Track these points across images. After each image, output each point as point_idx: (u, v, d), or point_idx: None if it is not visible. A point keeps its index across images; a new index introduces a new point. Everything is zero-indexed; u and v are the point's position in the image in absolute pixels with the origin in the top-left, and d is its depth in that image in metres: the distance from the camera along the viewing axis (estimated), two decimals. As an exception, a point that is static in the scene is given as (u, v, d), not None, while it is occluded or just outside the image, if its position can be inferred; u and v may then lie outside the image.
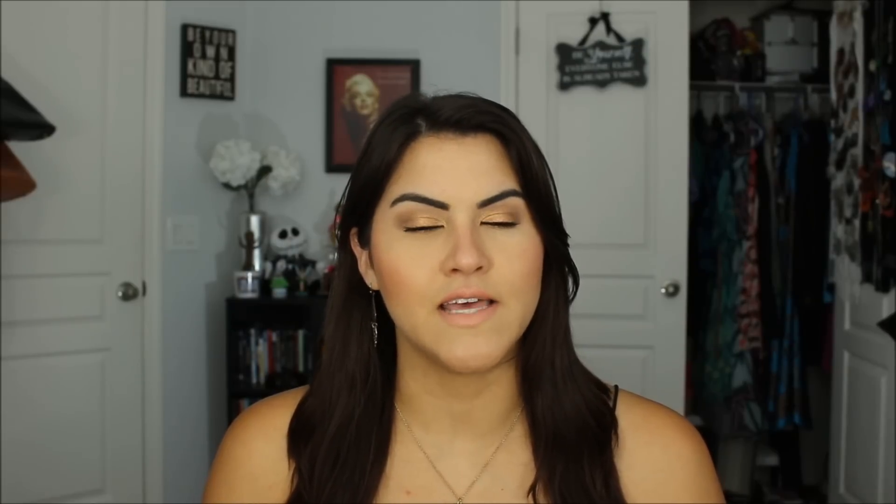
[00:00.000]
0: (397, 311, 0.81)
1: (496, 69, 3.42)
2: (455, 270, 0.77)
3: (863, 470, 3.05)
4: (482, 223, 0.80)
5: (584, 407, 0.85)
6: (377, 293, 0.85)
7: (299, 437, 0.87)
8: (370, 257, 0.84)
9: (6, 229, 2.83)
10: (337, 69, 3.50)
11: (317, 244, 3.52)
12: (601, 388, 0.89)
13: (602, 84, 3.39)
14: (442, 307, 0.78)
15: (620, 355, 3.24)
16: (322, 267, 3.43)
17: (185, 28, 3.28)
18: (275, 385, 3.28)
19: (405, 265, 0.79)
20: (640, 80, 3.36)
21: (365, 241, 0.85)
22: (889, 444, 2.83)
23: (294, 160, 3.38)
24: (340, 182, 3.68)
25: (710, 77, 3.86)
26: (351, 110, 3.51)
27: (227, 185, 3.32)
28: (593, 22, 3.39)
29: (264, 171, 3.33)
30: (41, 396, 2.98)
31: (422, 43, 3.49)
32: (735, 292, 3.68)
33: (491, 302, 0.78)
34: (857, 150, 3.06)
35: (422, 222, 0.79)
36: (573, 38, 3.40)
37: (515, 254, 0.79)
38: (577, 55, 3.39)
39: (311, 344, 3.37)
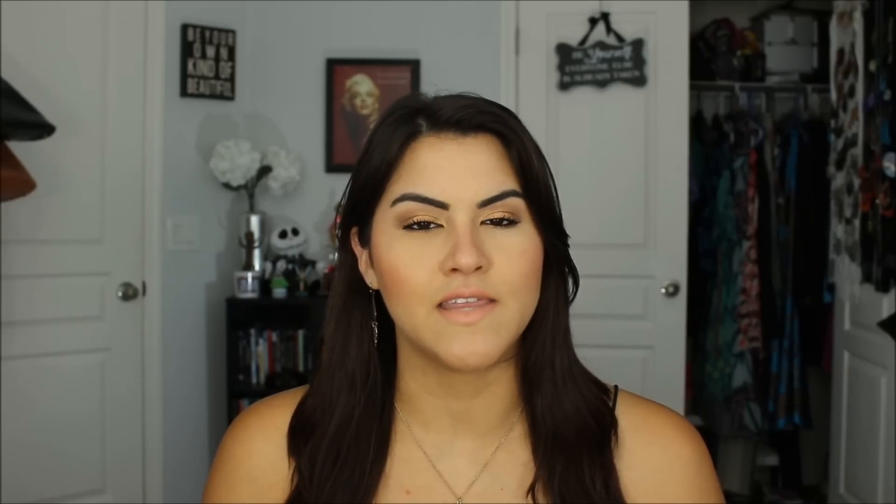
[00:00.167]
0: (397, 310, 0.81)
1: (496, 69, 3.42)
2: (455, 270, 0.77)
3: (863, 470, 3.05)
4: (482, 223, 0.80)
5: (583, 407, 0.85)
6: (377, 293, 0.85)
7: (299, 436, 0.87)
8: (370, 257, 0.84)
9: (6, 229, 2.83)
10: (337, 69, 3.50)
11: (317, 244, 3.52)
12: (601, 388, 0.89)
13: (602, 84, 3.39)
14: (441, 306, 0.78)
15: (620, 355, 3.24)
16: (322, 267, 3.43)
17: (185, 28, 3.29)
18: (275, 385, 3.28)
19: (405, 264, 0.79)
20: (640, 80, 3.36)
21: (365, 241, 0.85)
22: (889, 444, 2.83)
23: (294, 160, 3.38)
24: (340, 182, 3.66)
25: (710, 77, 3.86)
26: (351, 110, 3.51)
27: (227, 185, 3.32)
28: (593, 22, 3.39)
29: (264, 171, 3.33)
30: (41, 396, 2.98)
31: (422, 43, 3.49)
32: (735, 292, 3.68)
33: (490, 301, 0.78)
34: (857, 150, 3.06)
35: (422, 222, 0.79)
36: (573, 38, 3.40)
37: (515, 254, 0.80)
38: (577, 55, 3.39)
39: (311, 344, 3.37)
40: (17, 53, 2.83)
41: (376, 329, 0.86)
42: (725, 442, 3.79)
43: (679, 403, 3.37)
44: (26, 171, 2.69)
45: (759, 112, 3.84)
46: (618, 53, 3.37)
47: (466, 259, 0.77)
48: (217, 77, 3.38)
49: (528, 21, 3.43)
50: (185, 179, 3.32)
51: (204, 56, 3.34)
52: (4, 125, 2.60)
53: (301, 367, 3.38)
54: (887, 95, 2.79)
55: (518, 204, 0.80)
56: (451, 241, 0.78)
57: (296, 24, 3.52)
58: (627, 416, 0.88)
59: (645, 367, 3.38)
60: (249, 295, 3.31)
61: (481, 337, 0.78)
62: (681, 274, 3.38)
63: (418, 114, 0.82)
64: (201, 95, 3.34)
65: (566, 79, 3.40)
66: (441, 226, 0.79)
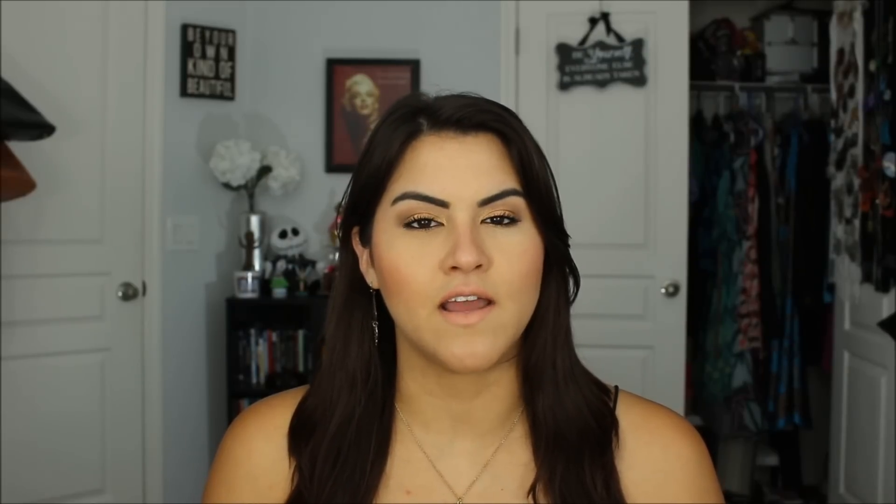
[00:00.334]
0: (398, 309, 0.81)
1: (496, 69, 3.42)
2: (455, 268, 0.77)
3: (863, 470, 3.05)
4: (482, 222, 0.80)
5: (585, 408, 0.85)
6: (378, 292, 0.85)
7: (300, 435, 0.87)
8: (371, 256, 0.84)
9: (6, 229, 2.83)
10: (337, 69, 3.50)
11: (317, 244, 3.52)
12: (602, 388, 0.89)
13: (602, 84, 3.39)
14: (442, 307, 0.78)
15: (620, 355, 3.24)
16: (322, 267, 3.43)
17: (185, 28, 3.29)
18: (275, 385, 3.28)
19: (405, 263, 0.79)
20: (640, 80, 3.36)
21: (366, 240, 0.85)
22: (889, 444, 2.83)
23: (294, 160, 3.38)
24: (340, 182, 3.66)
25: (710, 77, 3.86)
26: (351, 110, 3.51)
27: (227, 185, 3.32)
28: (593, 22, 3.39)
29: (264, 171, 3.33)
30: (41, 396, 2.98)
31: (422, 43, 3.49)
32: (735, 292, 3.68)
33: (488, 303, 0.78)
34: (857, 150, 3.06)
35: (423, 220, 0.79)
36: (573, 38, 3.40)
37: (515, 253, 0.80)
38: (577, 55, 3.39)
39: (311, 344, 3.37)
40: (17, 53, 2.83)
41: (377, 329, 0.86)
42: (725, 442, 3.79)
43: (679, 403, 3.37)
44: (26, 171, 2.69)
45: (759, 112, 3.84)
46: (618, 53, 3.37)
47: (466, 257, 0.77)
48: (217, 77, 3.38)
49: (528, 21, 3.43)
50: (185, 179, 3.32)
51: (204, 56, 3.34)
52: (4, 125, 2.60)
53: (301, 367, 3.39)
54: (887, 95, 2.79)
55: (518, 203, 0.80)
56: (452, 239, 0.78)
57: (296, 24, 3.52)
58: (628, 417, 0.88)
59: (645, 367, 3.38)
60: (249, 295, 3.31)
61: (479, 339, 0.78)
62: (681, 274, 3.38)
63: (419, 113, 0.82)
64: (201, 95, 3.34)
65: (566, 79, 3.40)
66: (442, 224, 0.79)
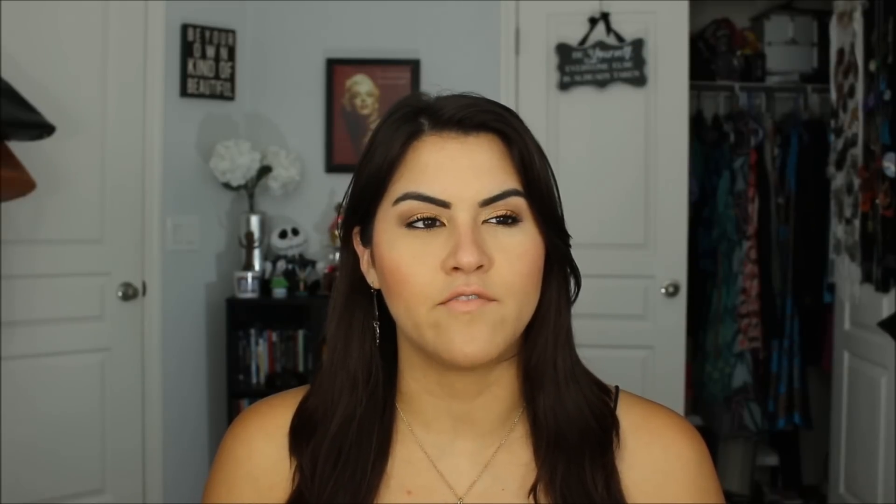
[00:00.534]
0: (398, 309, 0.81)
1: (496, 69, 3.42)
2: (456, 269, 0.77)
3: (863, 470, 3.05)
4: (484, 222, 0.80)
5: (585, 408, 0.85)
6: (379, 292, 0.85)
7: (301, 435, 0.87)
8: (372, 256, 0.84)
9: (6, 229, 2.83)
10: (337, 69, 3.50)
11: (317, 244, 3.52)
12: (602, 388, 0.90)
13: (602, 84, 3.39)
14: (442, 304, 0.78)
15: (620, 355, 3.24)
16: (322, 267, 3.43)
17: (185, 28, 3.28)
18: (275, 385, 3.28)
19: (407, 263, 0.79)
20: (640, 80, 3.36)
21: (367, 240, 0.85)
22: (889, 444, 2.83)
23: (294, 160, 3.38)
24: (340, 182, 3.66)
25: (710, 77, 3.86)
26: (351, 110, 3.51)
27: (227, 185, 3.32)
28: (593, 22, 3.39)
29: (264, 171, 3.33)
30: (41, 396, 2.98)
31: (422, 43, 3.49)
32: (735, 292, 3.68)
33: (490, 300, 0.78)
34: (857, 150, 3.06)
35: (424, 221, 0.79)
36: (573, 38, 3.40)
37: (516, 254, 0.80)
38: (577, 55, 3.39)
39: (311, 344, 3.37)
40: (17, 53, 2.83)
41: (378, 329, 0.86)
42: (725, 442, 3.79)
43: (679, 403, 3.37)
44: (26, 171, 2.69)
45: (759, 112, 3.84)
46: (618, 53, 3.37)
47: (468, 258, 0.77)
48: (217, 77, 3.38)
49: (527, 21, 3.43)
50: (185, 179, 3.32)
51: (204, 56, 3.34)
52: (4, 125, 2.60)
53: (301, 367, 3.39)
54: (887, 95, 2.79)
55: (520, 203, 0.80)
56: (453, 239, 0.78)
57: (296, 24, 3.52)
58: (628, 417, 0.88)
59: (645, 367, 3.38)
60: (249, 295, 3.31)
61: (478, 329, 0.78)
62: (681, 274, 3.38)
63: (420, 113, 0.82)
64: (201, 95, 3.34)
65: (566, 79, 3.40)
66: (443, 225, 0.79)
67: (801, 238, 3.72)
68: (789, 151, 3.75)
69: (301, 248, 3.44)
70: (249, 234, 3.38)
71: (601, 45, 3.38)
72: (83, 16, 3.02)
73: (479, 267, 0.77)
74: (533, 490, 0.83)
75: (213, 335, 3.42)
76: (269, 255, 3.44)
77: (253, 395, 3.30)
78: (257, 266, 3.38)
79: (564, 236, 0.85)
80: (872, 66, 2.92)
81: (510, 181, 0.80)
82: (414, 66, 3.47)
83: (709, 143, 3.88)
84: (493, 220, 0.80)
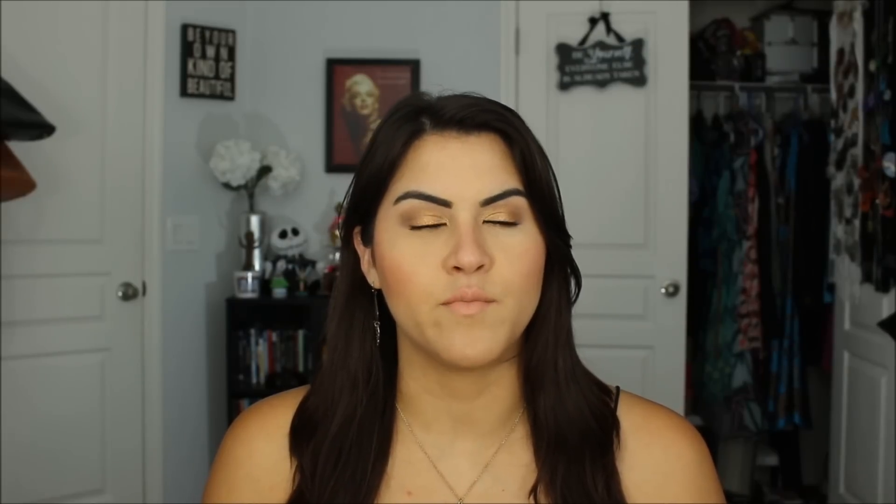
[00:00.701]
0: (399, 309, 0.81)
1: (496, 69, 3.42)
2: (457, 268, 0.77)
3: (863, 470, 3.05)
4: (485, 222, 0.80)
5: (586, 408, 0.85)
6: (379, 292, 0.85)
7: (301, 435, 0.87)
8: (373, 256, 0.84)
9: (6, 229, 2.83)
10: (337, 69, 3.50)
11: (317, 244, 3.52)
12: (603, 389, 0.89)
13: (602, 84, 3.39)
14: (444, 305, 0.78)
15: (620, 355, 3.24)
16: (322, 267, 3.43)
17: (185, 28, 3.28)
18: (275, 385, 3.28)
19: (408, 262, 0.79)
20: (640, 80, 3.36)
21: (368, 240, 0.85)
22: (889, 444, 2.83)
23: (294, 160, 3.38)
24: (340, 182, 3.66)
25: (710, 77, 3.86)
26: (351, 110, 3.51)
27: (227, 185, 3.32)
28: (593, 22, 3.39)
29: (264, 171, 3.33)
30: (41, 396, 2.98)
31: (422, 43, 3.49)
32: (735, 292, 3.68)
33: (490, 301, 0.78)
34: (857, 150, 3.06)
35: (425, 220, 0.79)
36: (573, 38, 3.40)
37: (517, 253, 0.80)
38: (577, 55, 3.39)
39: (311, 344, 3.37)
40: (17, 53, 2.83)
41: (378, 329, 0.86)
42: (725, 442, 3.79)
43: (679, 403, 3.37)
44: (26, 171, 2.68)
45: (759, 112, 3.84)
46: (618, 53, 3.37)
47: (469, 257, 0.77)
48: (217, 77, 3.38)
49: (527, 21, 3.43)
50: (185, 179, 3.32)
51: (204, 56, 3.34)
52: (4, 125, 2.60)
53: (301, 367, 3.38)
54: (887, 95, 2.79)
55: (521, 203, 0.80)
56: (454, 239, 0.78)
57: (295, 24, 3.52)
58: (629, 418, 0.88)
59: (645, 367, 3.38)
60: (249, 295, 3.31)
61: (479, 332, 0.78)
62: (681, 274, 3.38)
63: (422, 113, 0.82)
64: (201, 95, 3.34)
65: (566, 79, 3.40)
66: (444, 224, 0.79)
67: (801, 238, 3.72)
68: (789, 151, 3.75)
69: (301, 248, 3.44)
70: (249, 234, 3.38)
71: (601, 45, 3.38)
72: (83, 16, 3.02)
73: (480, 267, 0.77)
74: (533, 491, 0.83)
75: (213, 335, 3.42)
76: (269, 255, 3.44)
77: (253, 395, 3.30)
78: (257, 266, 3.38)
79: (565, 236, 0.85)
80: (872, 66, 2.92)
81: (511, 181, 0.80)
82: (414, 66, 3.47)
83: (709, 143, 3.88)
84: (494, 221, 0.80)
